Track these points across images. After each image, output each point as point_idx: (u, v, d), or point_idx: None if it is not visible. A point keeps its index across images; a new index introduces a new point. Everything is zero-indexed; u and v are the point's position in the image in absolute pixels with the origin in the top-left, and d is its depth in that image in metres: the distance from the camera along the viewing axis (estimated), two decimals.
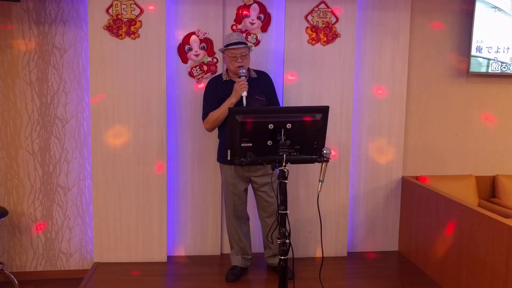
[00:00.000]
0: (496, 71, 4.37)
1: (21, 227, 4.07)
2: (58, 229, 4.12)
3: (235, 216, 3.74)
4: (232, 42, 3.47)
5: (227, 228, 3.85)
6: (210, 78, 3.82)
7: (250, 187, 3.75)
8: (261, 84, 3.64)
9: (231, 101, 3.45)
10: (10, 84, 3.94)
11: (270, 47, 4.04)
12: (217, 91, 3.58)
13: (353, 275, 3.97)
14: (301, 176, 4.11)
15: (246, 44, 3.52)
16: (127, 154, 3.94)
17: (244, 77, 3.44)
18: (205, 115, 3.59)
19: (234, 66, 3.47)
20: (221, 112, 3.47)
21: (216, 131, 3.73)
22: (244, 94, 3.39)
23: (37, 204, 4.07)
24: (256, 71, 3.69)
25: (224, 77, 3.63)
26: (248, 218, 3.85)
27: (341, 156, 4.16)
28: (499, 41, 4.33)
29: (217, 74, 3.90)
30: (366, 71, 4.24)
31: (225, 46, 3.49)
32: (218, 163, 3.79)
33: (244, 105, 3.38)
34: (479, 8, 4.25)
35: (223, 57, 3.61)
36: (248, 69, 3.60)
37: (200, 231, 4.19)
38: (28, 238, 4.09)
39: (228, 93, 3.49)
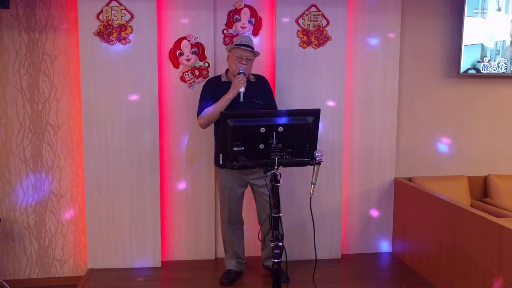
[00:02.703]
0: (486, 72, 4.40)
1: (14, 235, 4.04)
2: (52, 235, 4.10)
3: (230, 220, 3.73)
4: (242, 43, 3.49)
5: (221, 232, 3.85)
6: (208, 78, 3.81)
7: (246, 192, 3.75)
8: (259, 88, 3.65)
9: (228, 96, 3.45)
10: (0, 92, 3.92)
11: (261, 51, 4.04)
12: (214, 91, 3.58)
13: (347, 277, 3.98)
14: (294, 179, 4.11)
15: (253, 49, 3.54)
16: (120, 159, 3.94)
17: (243, 74, 3.45)
18: (200, 112, 3.59)
19: (236, 66, 3.48)
20: (217, 107, 3.45)
21: (210, 132, 3.73)
22: (242, 90, 3.39)
23: (30, 212, 4.05)
24: (255, 75, 3.70)
25: (223, 78, 3.63)
26: (242, 223, 3.84)
27: (333, 158, 4.18)
28: (489, 42, 4.37)
29: (214, 75, 3.88)
30: (357, 74, 4.26)
31: (235, 45, 3.51)
32: (214, 167, 3.79)
33: (241, 101, 3.38)
34: (468, 9, 4.28)
35: (228, 56, 3.61)
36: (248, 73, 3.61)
37: (194, 236, 4.18)
38: (21, 246, 4.07)
39: (225, 94, 3.48)
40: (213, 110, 3.48)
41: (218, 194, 3.80)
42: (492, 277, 3.01)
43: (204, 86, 3.69)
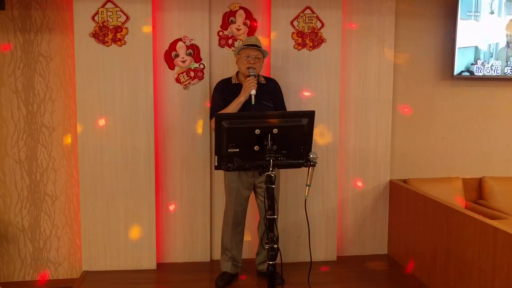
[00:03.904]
0: (480, 74, 4.42)
1: (8, 237, 4.03)
2: (46, 238, 4.09)
3: (234, 223, 3.71)
4: (249, 43, 3.51)
5: (222, 233, 3.83)
6: (219, 80, 3.80)
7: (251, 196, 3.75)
8: (269, 90, 3.65)
9: (239, 99, 3.45)
10: None
11: None
12: (225, 93, 3.59)
13: (343, 279, 3.97)
14: (289, 181, 4.11)
15: (261, 48, 3.55)
16: (115, 161, 3.93)
17: (254, 76, 3.45)
18: (212, 115, 3.58)
19: (245, 66, 3.49)
20: (228, 111, 3.44)
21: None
22: (253, 92, 3.39)
23: (25, 213, 4.03)
24: (265, 78, 3.71)
25: (233, 80, 3.64)
26: (244, 226, 3.82)
27: (329, 160, 4.18)
28: (482, 44, 4.39)
29: (223, 78, 3.85)
30: (352, 75, 4.27)
31: (243, 46, 3.53)
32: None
33: (253, 103, 3.39)
34: (462, 12, 4.30)
35: (237, 59, 3.62)
36: (258, 75, 3.61)
37: (189, 238, 4.17)
38: (16, 248, 4.05)
39: (235, 96, 3.48)
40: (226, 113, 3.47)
41: (225, 196, 3.76)
42: (487, 278, 3.02)
43: (214, 89, 3.69)
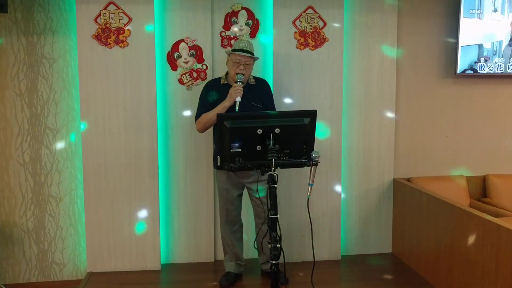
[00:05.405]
0: (483, 72, 4.41)
1: (13, 238, 4.05)
2: (51, 239, 4.10)
3: (228, 222, 3.73)
4: (240, 48, 3.48)
5: (221, 234, 3.85)
6: (208, 80, 3.82)
7: (245, 194, 3.75)
8: (259, 91, 3.64)
9: (224, 105, 3.44)
10: None
11: (259, 53, 4.04)
12: (213, 93, 3.59)
13: (347, 278, 3.98)
14: (293, 180, 4.12)
15: (253, 54, 3.52)
16: (118, 162, 3.94)
17: (241, 83, 3.44)
18: (198, 116, 3.59)
19: (234, 71, 3.48)
20: (213, 114, 3.43)
21: (209, 134, 3.73)
22: (238, 99, 3.39)
23: (29, 215, 4.05)
24: (255, 78, 3.70)
25: (222, 81, 3.64)
26: (241, 225, 3.85)
27: (332, 159, 4.18)
28: (486, 42, 4.37)
29: (214, 78, 3.89)
30: (355, 74, 4.27)
31: (232, 50, 3.51)
32: (213, 169, 3.79)
33: (236, 110, 3.38)
34: (464, 10, 4.29)
35: (227, 60, 3.61)
36: (248, 77, 3.60)
37: (193, 238, 4.18)
38: (21, 249, 4.07)
39: (224, 96, 3.48)
40: (209, 116, 3.48)
41: (218, 197, 3.80)
42: (491, 276, 3.01)
43: (203, 89, 3.69)
